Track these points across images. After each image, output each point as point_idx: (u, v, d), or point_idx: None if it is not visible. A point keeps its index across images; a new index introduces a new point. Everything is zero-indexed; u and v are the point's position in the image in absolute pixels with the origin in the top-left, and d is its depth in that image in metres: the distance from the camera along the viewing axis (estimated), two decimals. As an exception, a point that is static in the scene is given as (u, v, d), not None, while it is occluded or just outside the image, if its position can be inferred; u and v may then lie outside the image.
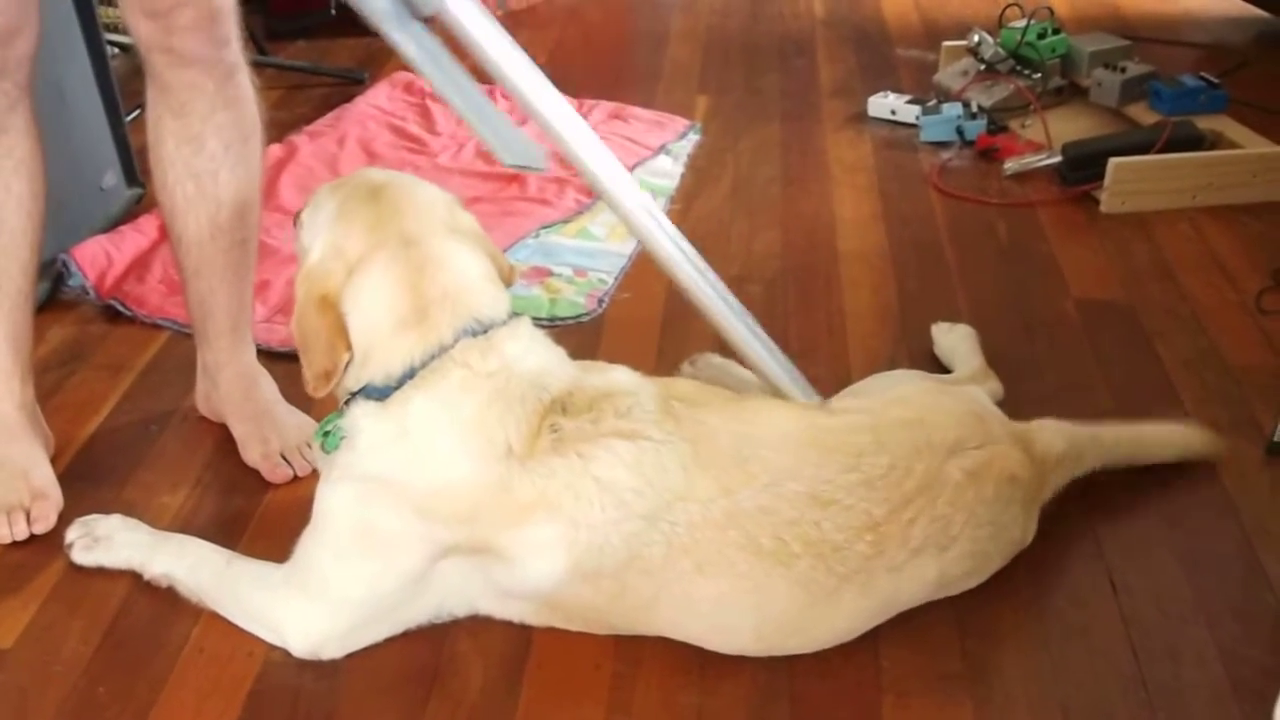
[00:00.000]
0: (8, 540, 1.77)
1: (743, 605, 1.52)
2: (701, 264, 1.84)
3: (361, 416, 1.55)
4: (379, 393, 1.53)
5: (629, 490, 1.49)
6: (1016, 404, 1.90)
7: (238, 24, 1.78)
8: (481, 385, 1.51)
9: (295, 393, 1.98)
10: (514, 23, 3.90)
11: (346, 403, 1.58)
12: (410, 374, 1.51)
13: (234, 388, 1.97)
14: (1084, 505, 1.82)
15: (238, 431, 1.95)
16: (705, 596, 1.52)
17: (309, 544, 1.59)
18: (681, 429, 1.54)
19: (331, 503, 1.57)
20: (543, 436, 1.50)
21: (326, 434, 1.60)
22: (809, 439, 1.56)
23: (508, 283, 1.63)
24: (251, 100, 1.84)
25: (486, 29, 1.40)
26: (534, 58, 3.52)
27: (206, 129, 1.79)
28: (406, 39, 1.37)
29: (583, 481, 1.49)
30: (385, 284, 1.53)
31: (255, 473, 1.91)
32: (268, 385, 1.98)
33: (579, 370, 1.60)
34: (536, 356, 1.57)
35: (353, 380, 1.56)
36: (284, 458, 1.90)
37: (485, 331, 1.53)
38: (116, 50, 3.00)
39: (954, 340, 2.14)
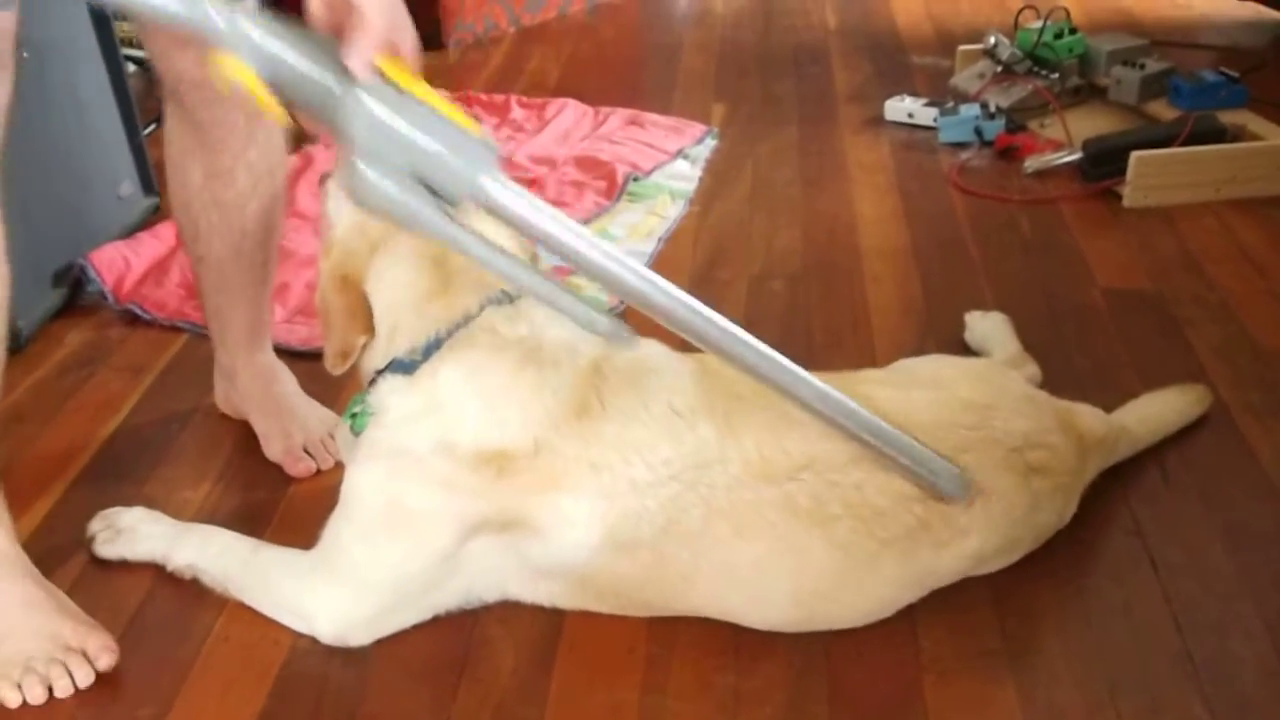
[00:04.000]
0: (69, 692, 1.50)
1: (781, 569, 1.49)
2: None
3: (389, 393, 1.53)
4: (405, 367, 1.52)
5: (665, 456, 1.47)
6: (1048, 390, 1.87)
7: None
8: (511, 351, 1.49)
9: (316, 390, 1.97)
10: (527, 38, 3.92)
11: (372, 381, 1.56)
12: (436, 344, 1.50)
13: (253, 384, 1.95)
14: (1119, 486, 1.80)
15: (259, 427, 1.93)
16: (744, 562, 1.49)
17: (337, 528, 1.57)
18: (716, 397, 1.52)
19: (359, 483, 1.55)
20: (588, 403, 1.48)
21: (354, 415, 1.58)
22: None
23: (531, 260, 1.62)
24: (280, 131, 1.81)
25: (519, 200, 1.31)
26: (548, 72, 3.59)
27: (238, 165, 1.77)
28: (465, 233, 1.32)
29: (619, 448, 1.47)
30: (408, 260, 1.52)
31: (278, 467, 1.89)
32: (287, 379, 1.96)
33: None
34: (566, 324, 1.55)
35: (379, 357, 1.55)
36: (306, 451, 1.88)
37: (511, 301, 1.52)
38: (133, 66, 2.99)
39: (988, 327, 2.12)
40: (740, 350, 1.41)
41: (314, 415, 1.93)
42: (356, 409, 1.58)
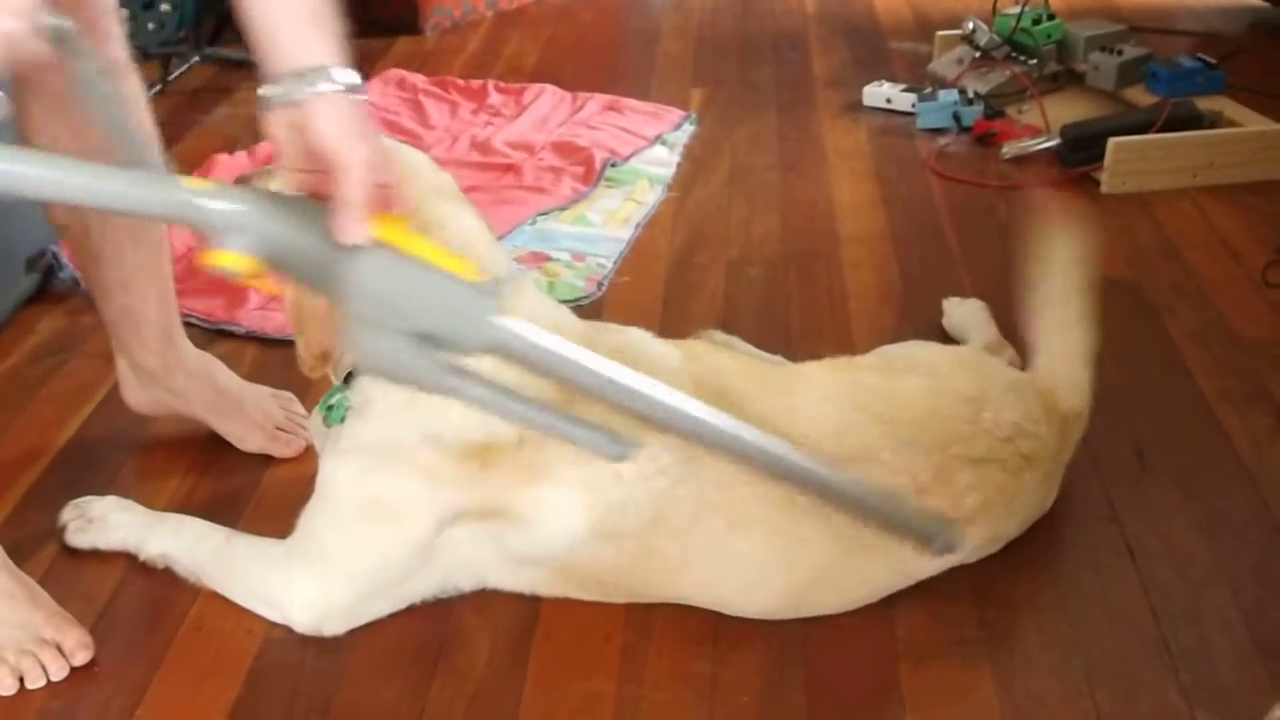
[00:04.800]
0: (41, 683, 1.50)
1: (778, 560, 1.49)
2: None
3: (371, 384, 1.50)
4: None
5: (651, 449, 1.45)
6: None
7: (119, 21, 1.65)
8: None
9: (285, 377, 1.95)
10: (505, 22, 3.90)
11: (348, 376, 1.54)
12: None
13: (193, 385, 1.87)
14: (1096, 474, 1.80)
15: (223, 428, 1.89)
16: (738, 554, 1.48)
17: (313, 517, 1.55)
18: (703, 388, 1.50)
19: (340, 474, 1.53)
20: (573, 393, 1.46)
21: (330, 408, 1.55)
22: (851, 401, 1.53)
23: None
24: (144, 98, 1.72)
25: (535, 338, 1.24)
26: (526, 56, 3.57)
27: None
28: (473, 386, 1.24)
29: None
30: None
31: (250, 456, 1.87)
32: (223, 370, 1.91)
33: (592, 329, 1.56)
34: (549, 312, 1.54)
35: None
36: (283, 432, 1.88)
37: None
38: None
39: (966, 313, 2.12)
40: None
41: (264, 396, 1.91)
42: (333, 400, 1.55)
